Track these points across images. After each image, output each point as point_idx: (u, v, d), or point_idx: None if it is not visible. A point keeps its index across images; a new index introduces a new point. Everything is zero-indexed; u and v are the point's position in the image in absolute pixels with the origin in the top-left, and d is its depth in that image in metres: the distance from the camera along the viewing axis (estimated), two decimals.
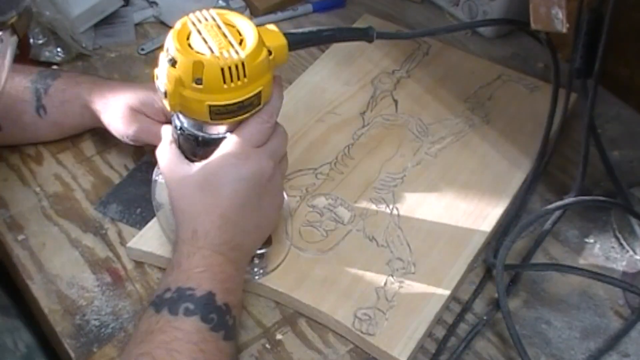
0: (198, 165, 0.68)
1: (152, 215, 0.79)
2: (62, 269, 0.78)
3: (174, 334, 0.61)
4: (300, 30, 0.71)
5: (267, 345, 0.73)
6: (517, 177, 0.85)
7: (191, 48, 0.64)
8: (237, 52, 0.63)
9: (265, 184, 0.67)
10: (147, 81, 0.97)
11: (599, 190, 0.86)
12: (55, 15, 0.95)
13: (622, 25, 0.84)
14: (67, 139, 0.89)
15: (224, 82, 0.63)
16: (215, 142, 0.68)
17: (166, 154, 0.71)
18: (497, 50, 1.04)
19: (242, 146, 0.67)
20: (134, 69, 0.99)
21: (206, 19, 0.66)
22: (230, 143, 0.67)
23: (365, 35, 0.73)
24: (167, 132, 0.72)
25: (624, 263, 0.80)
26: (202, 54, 0.63)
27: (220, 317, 0.63)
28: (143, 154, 0.88)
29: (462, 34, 1.06)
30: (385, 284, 0.74)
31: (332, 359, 0.72)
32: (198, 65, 0.62)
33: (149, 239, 0.78)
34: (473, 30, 1.07)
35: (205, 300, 0.62)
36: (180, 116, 0.69)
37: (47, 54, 0.97)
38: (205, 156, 0.68)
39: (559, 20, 0.71)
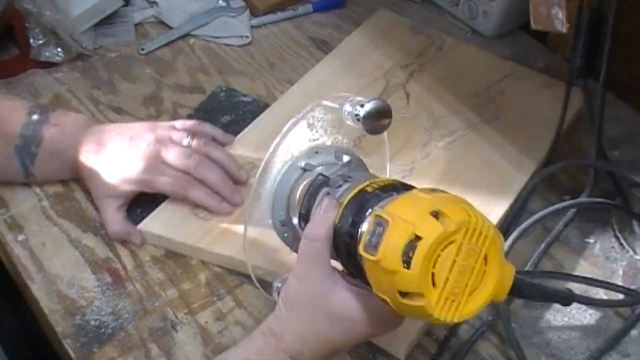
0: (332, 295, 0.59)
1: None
2: (62, 269, 0.78)
3: None
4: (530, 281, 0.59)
5: None
6: (524, 173, 0.85)
7: (434, 285, 0.51)
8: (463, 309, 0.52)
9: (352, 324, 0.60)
10: (147, 81, 0.98)
11: (598, 190, 0.86)
12: (55, 15, 0.95)
13: (622, 26, 0.84)
14: None
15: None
16: None
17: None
18: (497, 50, 1.03)
19: (333, 286, 0.59)
20: (134, 69, 0.99)
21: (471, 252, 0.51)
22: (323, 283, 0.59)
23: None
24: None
25: (624, 263, 0.80)
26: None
27: None
28: None
29: (462, 33, 1.06)
30: None
31: (332, 358, 0.72)
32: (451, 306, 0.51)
33: (159, 222, 0.79)
34: (473, 30, 1.07)
35: None
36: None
37: (47, 54, 0.97)
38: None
39: (559, 20, 0.71)
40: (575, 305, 0.76)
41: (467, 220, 0.50)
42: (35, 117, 0.80)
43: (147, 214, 0.81)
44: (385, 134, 0.68)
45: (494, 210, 0.81)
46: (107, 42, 1.02)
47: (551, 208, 0.80)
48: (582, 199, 0.82)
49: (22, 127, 0.79)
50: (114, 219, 0.79)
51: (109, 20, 1.03)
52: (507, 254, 0.77)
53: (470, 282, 0.51)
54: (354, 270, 0.58)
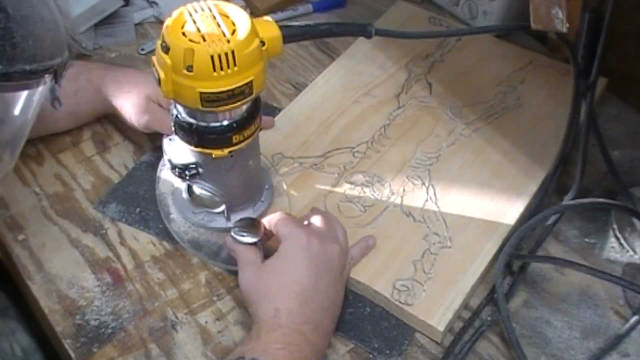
0: (271, 258, 0.69)
1: (152, 214, 0.80)
2: (62, 269, 0.78)
3: None
4: (297, 23, 0.72)
5: None
6: (548, 159, 0.86)
7: (184, 36, 0.65)
8: (228, 41, 0.64)
9: (333, 265, 0.70)
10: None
11: (598, 190, 0.86)
12: None
13: (622, 25, 0.84)
14: (67, 139, 0.89)
15: (214, 70, 0.63)
16: (207, 131, 0.69)
17: (243, 254, 0.71)
18: None
19: (305, 233, 0.69)
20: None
21: (202, 9, 0.67)
22: (293, 234, 0.69)
23: (364, 31, 0.74)
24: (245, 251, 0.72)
25: (624, 263, 0.80)
26: (194, 42, 0.64)
27: None
28: (142, 154, 0.88)
29: None
30: (422, 257, 0.76)
31: (332, 358, 0.72)
32: (189, 53, 0.63)
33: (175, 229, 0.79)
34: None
35: None
36: (177, 104, 0.70)
37: None
38: (200, 145, 0.70)
39: (559, 20, 0.71)
40: (575, 305, 0.76)
41: None
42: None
43: (147, 214, 0.81)
44: None
45: (523, 192, 0.83)
46: (107, 42, 1.02)
47: (551, 208, 0.80)
48: (583, 199, 0.82)
49: None
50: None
51: (109, 20, 1.03)
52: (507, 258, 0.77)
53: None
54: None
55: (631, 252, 0.80)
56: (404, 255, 0.77)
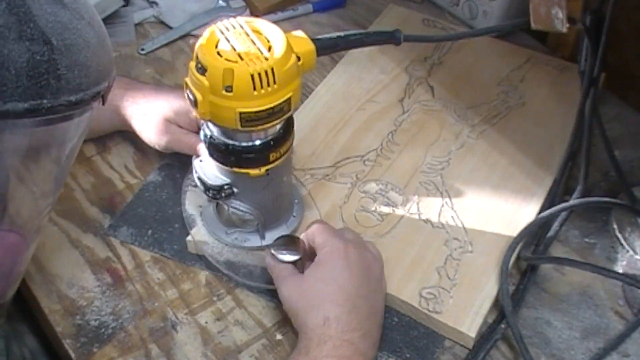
0: (309, 268, 0.69)
1: (165, 235, 0.80)
2: (62, 269, 0.78)
3: None
4: (327, 35, 0.71)
5: (267, 345, 0.73)
6: (557, 155, 0.86)
7: (220, 56, 0.63)
8: (266, 59, 0.63)
9: (371, 271, 0.70)
10: (147, 81, 0.98)
11: (598, 190, 0.86)
12: None
13: (622, 26, 0.84)
14: None
15: (254, 89, 0.62)
16: (245, 151, 0.68)
17: (282, 271, 0.71)
18: None
19: (337, 239, 0.69)
20: (134, 69, 0.99)
21: (234, 27, 0.65)
22: (330, 242, 0.69)
23: (392, 38, 0.74)
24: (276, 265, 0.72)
25: (624, 263, 0.80)
26: (232, 62, 0.62)
27: None
28: (146, 159, 0.88)
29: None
30: (445, 263, 0.76)
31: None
32: (228, 73, 0.62)
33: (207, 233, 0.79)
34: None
35: None
36: (210, 125, 0.69)
37: None
38: (237, 165, 0.69)
39: (559, 20, 0.71)
40: (575, 305, 0.76)
41: None
42: None
43: (159, 235, 0.80)
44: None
45: (537, 192, 0.83)
46: None
47: (553, 209, 0.80)
48: (583, 199, 0.82)
49: None
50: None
51: (109, 20, 1.03)
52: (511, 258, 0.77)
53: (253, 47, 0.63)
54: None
55: (631, 252, 0.80)
56: (426, 262, 0.77)
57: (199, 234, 0.78)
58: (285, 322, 0.74)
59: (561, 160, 0.85)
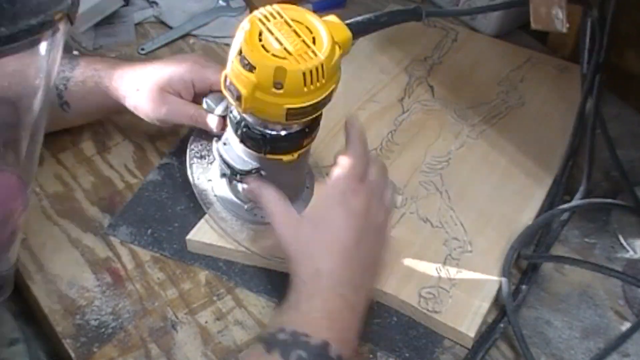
0: (308, 209, 0.68)
1: (164, 234, 0.80)
2: (62, 269, 0.78)
3: None
4: (359, 19, 0.71)
5: None
6: (557, 155, 0.87)
7: (267, 51, 0.62)
8: (315, 54, 0.62)
9: (372, 219, 0.67)
10: None
11: (599, 190, 0.86)
12: None
13: (622, 26, 0.84)
14: (67, 139, 0.89)
15: (305, 85, 0.62)
16: (282, 139, 0.68)
17: (276, 206, 0.69)
18: None
19: (347, 182, 0.66)
20: None
21: (273, 17, 0.64)
22: (334, 181, 0.67)
23: (415, 14, 0.74)
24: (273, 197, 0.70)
25: (624, 263, 0.80)
26: (281, 58, 0.62)
27: None
28: (145, 159, 0.88)
29: (463, 31, 1.06)
30: (444, 263, 0.76)
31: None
32: (280, 71, 0.61)
33: (208, 231, 0.78)
34: (473, 30, 1.07)
35: (319, 350, 0.59)
36: (246, 116, 0.68)
37: None
38: (272, 152, 0.69)
39: (559, 20, 0.71)
40: (575, 305, 0.76)
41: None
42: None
43: (159, 235, 0.80)
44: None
45: (536, 192, 0.83)
46: (107, 42, 1.02)
47: (555, 209, 0.80)
48: (583, 199, 0.82)
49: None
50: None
51: (109, 20, 1.03)
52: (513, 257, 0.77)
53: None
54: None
55: (631, 252, 0.80)
56: (426, 262, 0.76)
57: (199, 234, 0.78)
58: None
59: (561, 160, 0.85)
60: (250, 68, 0.62)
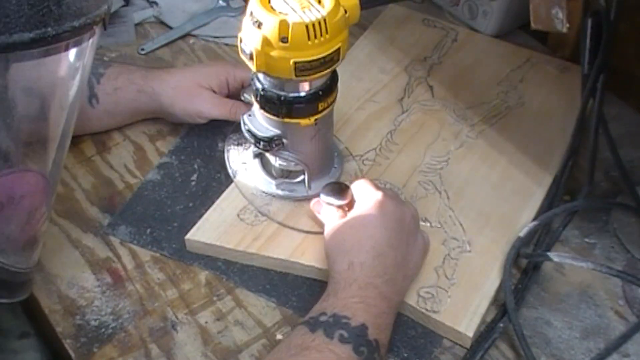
0: (348, 215, 0.73)
1: (164, 234, 0.80)
2: (62, 269, 0.78)
3: (328, 356, 0.61)
4: None
5: (267, 345, 0.73)
6: (557, 155, 0.87)
7: (274, 9, 0.68)
8: (318, 10, 0.67)
9: (405, 225, 0.72)
10: None
11: (599, 190, 0.86)
12: None
13: (622, 26, 0.84)
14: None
15: (308, 39, 0.66)
16: (296, 101, 0.72)
17: (328, 214, 0.75)
18: None
19: (380, 193, 0.72)
20: None
21: None
22: (369, 193, 0.72)
23: None
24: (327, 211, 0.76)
25: (624, 263, 0.80)
26: (286, 14, 0.67)
27: (370, 352, 0.63)
28: (145, 159, 0.88)
29: (463, 32, 1.06)
30: (443, 262, 0.77)
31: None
32: (284, 25, 0.66)
33: (207, 230, 0.79)
34: (473, 30, 1.07)
35: (358, 331, 0.63)
36: (262, 78, 0.73)
37: None
38: (288, 115, 0.73)
39: (559, 20, 0.71)
40: (575, 305, 0.76)
41: None
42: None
43: (158, 234, 0.80)
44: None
45: (536, 192, 0.83)
46: (107, 42, 1.02)
47: (557, 209, 0.80)
48: (587, 200, 0.82)
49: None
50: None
51: (109, 20, 1.03)
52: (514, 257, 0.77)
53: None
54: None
55: (631, 252, 0.80)
56: (425, 262, 0.76)
57: (198, 234, 0.79)
58: (285, 322, 0.74)
59: (561, 160, 0.85)
60: (259, 25, 0.67)
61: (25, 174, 0.60)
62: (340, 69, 0.97)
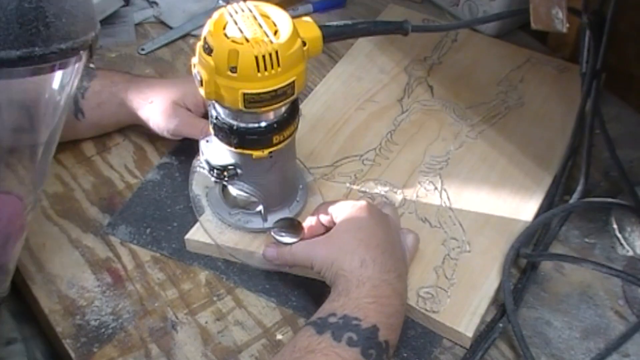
0: (335, 226, 0.71)
1: (163, 234, 0.80)
2: (62, 269, 0.78)
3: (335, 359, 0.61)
4: (335, 23, 0.72)
5: (267, 345, 0.73)
6: (556, 155, 0.87)
7: (227, 37, 0.65)
8: (271, 42, 0.64)
9: (392, 223, 0.72)
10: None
11: (598, 190, 0.86)
12: None
13: (622, 26, 0.84)
14: (67, 140, 0.89)
15: (258, 71, 0.63)
16: (248, 132, 0.69)
17: (294, 249, 0.73)
18: None
19: (360, 203, 0.71)
20: (134, 69, 0.99)
21: (243, 10, 0.67)
22: (347, 204, 0.71)
23: (400, 28, 0.74)
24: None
25: (624, 263, 0.80)
26: (238, 43, 0.64)
27: (379, 354, 0.63)
28: (145, 159, 0.88)
29: (463, 32, 1.06)
30: (443, 262, 0.77)
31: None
32: (233, 54, 0.63)
33: (207, 230, 0.78)
34: (473, 30, 1.07)
35: (368, 333, 0.62)
36: (217, 106, 0.70)
37: None
38: (241, 146, 0.70)
39: (559, 20, 0.71)
40: (575, 305, 0.76)
41: None
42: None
43: (158, 234, 0.80)
44: None
45: (536, 191, 0.83)
46: (107, 42, 1.02)
47: (556, 209, 0.80)
48: (581, 199, 0.82)
49: None
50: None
51: (109, 20, 1.03)
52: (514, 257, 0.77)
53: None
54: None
55: (631, 252, 0.80)
56: (424, 262, 0.77)
57: (197, 234, 0.78)
58: (285, 322, 0.74)
59: (560, 160, 0.85)
60: (210, 51, 0.64)
61: (1, 196, 0.60)
62: (340, 69, 0.98)
